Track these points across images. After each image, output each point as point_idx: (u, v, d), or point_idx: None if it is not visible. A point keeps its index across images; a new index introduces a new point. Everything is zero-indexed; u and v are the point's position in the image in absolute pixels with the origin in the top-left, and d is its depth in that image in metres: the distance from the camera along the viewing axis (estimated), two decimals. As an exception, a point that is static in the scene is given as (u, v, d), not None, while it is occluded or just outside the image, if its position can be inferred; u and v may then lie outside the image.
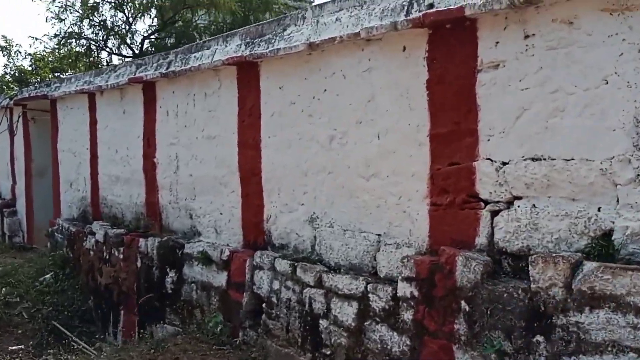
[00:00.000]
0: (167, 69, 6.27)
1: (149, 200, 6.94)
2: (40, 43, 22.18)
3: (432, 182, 3.57)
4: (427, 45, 3.57)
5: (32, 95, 10.39)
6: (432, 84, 3.54)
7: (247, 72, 5.21)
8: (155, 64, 6.64)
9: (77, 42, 18.26)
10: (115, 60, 20.01)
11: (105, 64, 19.98)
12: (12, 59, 24.35)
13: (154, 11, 19.52)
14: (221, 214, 5.72)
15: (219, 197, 5.74)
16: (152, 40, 19.18)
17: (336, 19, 4.14)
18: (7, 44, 24.10)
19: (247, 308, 4.98)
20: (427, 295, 3.37)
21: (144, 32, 19.01)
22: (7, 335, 6.96)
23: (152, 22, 19.92)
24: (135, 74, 6.91)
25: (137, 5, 19.05)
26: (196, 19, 19.62)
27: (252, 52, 4.92)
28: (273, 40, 4.74)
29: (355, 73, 4.11)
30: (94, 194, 8.33)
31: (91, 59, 19.94)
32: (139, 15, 19.12)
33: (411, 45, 3.69)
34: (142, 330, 6.45)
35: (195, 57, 5.84)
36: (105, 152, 7.96)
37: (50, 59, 23.79)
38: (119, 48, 19.35)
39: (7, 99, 11.79)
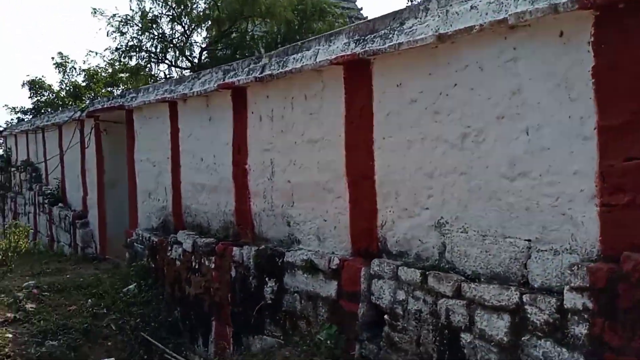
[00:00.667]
0: (261, 72, 6.09)
1: (239, 208, 6.76)
2: (101, 57, 22.60)
3: (602, 180, 3.21)
4: (592, 28, 3.22)
5: (106, 106, 10.46)
6: (601, 71, 3.19)
7: (357, 71, 4.95)
8: (246, 69, 6.47)
9: (138, 54, 18.53)
10: (174, 73, 20.25)
11: (163, 76, 20.26)
12: (68, 75, 25.00)
13: (210, 23, 19.72)
14: (325, 220, 5.47)
15: (322, 203, 5.49)
16: (210, 51, 19.34)
17: (471, 7, 3.83)
18: (63, 60, 24.77)
19: (364, 320, 4.68)
20: (606, 307, 3.00)
21: (201, 44, 19.21)
22: (98, 348, 6.87)
23: (209, 34, 20.13)
24: (224, 80, 6.77)
25: (194, 18, 19.26)
26: (252, 29, 19.70)
27: (366, 49, 4.66)
28: (390, 35, 4.46)
29: (496, 64, 3.80)
30: (176, 203, 8.22)
31: (150, 72, 20.22)
32: (196, 27, 19.34)
33: (571, 30, 3.34)
34: (235, 342, 6.27)
35: (294, 58, 5.62)
36: (188, 160, 7.85)
37: (103, 74, 24.34)
38: (177, 60, 19.58)
39: (79, 112, 11.95)
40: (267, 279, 5.88)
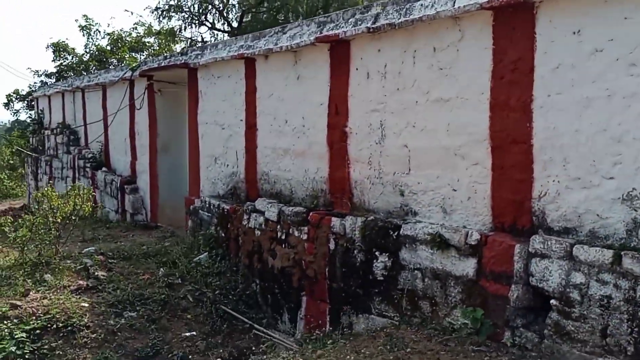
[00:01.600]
0: (374, 22, 5.42)
1: (334, 175, 6.16)
2: (137, 17, 21.80)
3: None
4: None
5: (164, 65, 9.82)
6: None
7: (513, 17, 4.28)
8: (350, 20, 5.80)
9: (178, 14, 17.81)
10: (208, 37, 19.51)
11: (200, 40, 19.54)
12: (92, 38, 24.31)
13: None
14: (454, 190, 4.86)
15: (450, 170, 4.88)
16: (252, 14, 18.55)
17: None
18: (87, 23, 24.06)
19: (518, 304, 4.10)
20: None
21: (242, 6, 18.38)
22: (177, 320, 6.38)
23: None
24: (321, 33, 6.11)
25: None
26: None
27: (534, -11, 3.98)
28: (569, -27, 3.78)
29: None
30: (250, 169, 7.64)
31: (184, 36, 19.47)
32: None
33: None
34: (332, 320, 5.75)
35: (422, 5, 4.95)
36: (268, 123, 7.23)
37: (127, 39, 23.65)
38: (216, 22, 18.83)
39: (129, 71, 11.33)
40: (377, 253, 5.30)
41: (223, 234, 7.81)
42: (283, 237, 6.49)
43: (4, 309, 5.68)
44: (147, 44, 23.57)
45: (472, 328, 4.34)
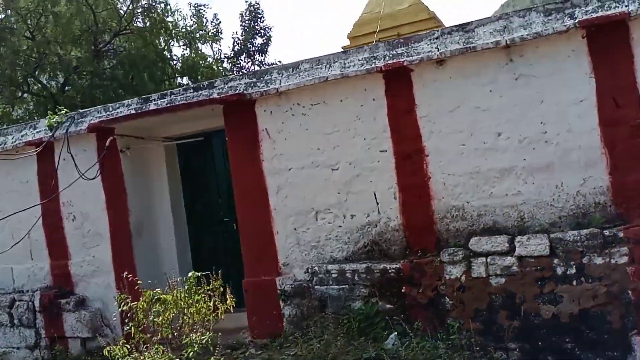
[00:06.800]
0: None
1: (623, 181, 5.10)
2: None
3: None
4: None
5: (181, 102, 6.95)
6: None
7: None
8: (626, -2, 5.06)
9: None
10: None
11: None
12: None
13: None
14: None
15: None
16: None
17: None
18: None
19: None
20: None
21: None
22: None
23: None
24: (573, 17, 5.15)
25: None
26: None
27: None
28: None
29: None
30: (413, 210, 5.83)
31: None
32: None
33: None
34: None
35: None
36: (454, 143, 5.69)
37: None
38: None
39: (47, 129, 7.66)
40: None
41: (391, 305, 5.68)
42: (571, 271, 5.01)
43: None
44: None
45: None
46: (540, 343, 5.11)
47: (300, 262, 6.34)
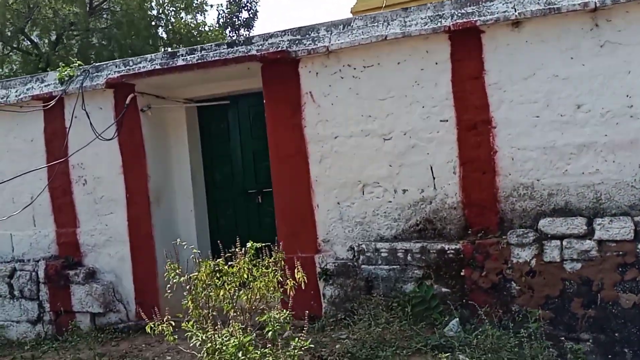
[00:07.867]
0: None
1: None
2: None
3: None
4: None
5: (213, 59, 6.29)
6: None
7: None
8: None
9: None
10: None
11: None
12: None
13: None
14: None
15: None
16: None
17: None
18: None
19: None
20: None
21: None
22: None
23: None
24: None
25: None
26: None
27: None
28: None
29: None
30: (474, 186, 5.34)
31: None
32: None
33: None
34: None
35: None
36: (525, 114, 5.18)
37: None
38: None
39: (57, 83, 6.95)
40: None
41: (448, 289, 5.21)
42: (658, 258, 4.60)
43: None
44: None
45: None
46: (617, 334, 4.71)
47: (342, 239, 5.81)
